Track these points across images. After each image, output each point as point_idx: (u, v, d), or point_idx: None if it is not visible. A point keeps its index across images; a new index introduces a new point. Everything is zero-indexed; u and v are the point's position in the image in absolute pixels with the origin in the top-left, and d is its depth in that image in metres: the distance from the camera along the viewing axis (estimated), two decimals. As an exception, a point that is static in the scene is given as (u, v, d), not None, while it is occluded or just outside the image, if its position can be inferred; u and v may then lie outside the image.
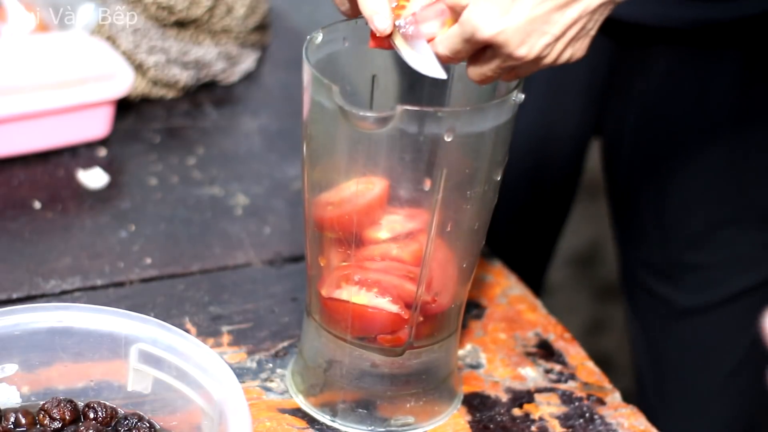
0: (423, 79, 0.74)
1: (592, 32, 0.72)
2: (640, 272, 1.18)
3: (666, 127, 1.10)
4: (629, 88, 1.10)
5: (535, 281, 1.23)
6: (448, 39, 0.70)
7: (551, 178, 1.17)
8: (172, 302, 0.89)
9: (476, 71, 0.72)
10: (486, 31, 0.68)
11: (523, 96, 0.73)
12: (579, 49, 0.72)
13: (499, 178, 0.76)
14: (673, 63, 1.07)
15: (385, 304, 0.75)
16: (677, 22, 1.03)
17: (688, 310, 1.15)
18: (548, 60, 0.71)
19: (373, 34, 0.72)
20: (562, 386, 0.86)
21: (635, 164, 1.14)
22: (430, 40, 0.72)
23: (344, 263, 0.76)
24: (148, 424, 0.73)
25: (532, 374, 0.86)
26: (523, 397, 0.84)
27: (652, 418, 0.84)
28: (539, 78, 0.96)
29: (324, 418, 0.80)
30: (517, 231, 1.19)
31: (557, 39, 0.70)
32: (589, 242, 2.36)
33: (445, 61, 0.72)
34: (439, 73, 0.72)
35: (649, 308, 1.18)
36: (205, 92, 1.18)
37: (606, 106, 1.13)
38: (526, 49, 0.69)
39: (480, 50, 0.71)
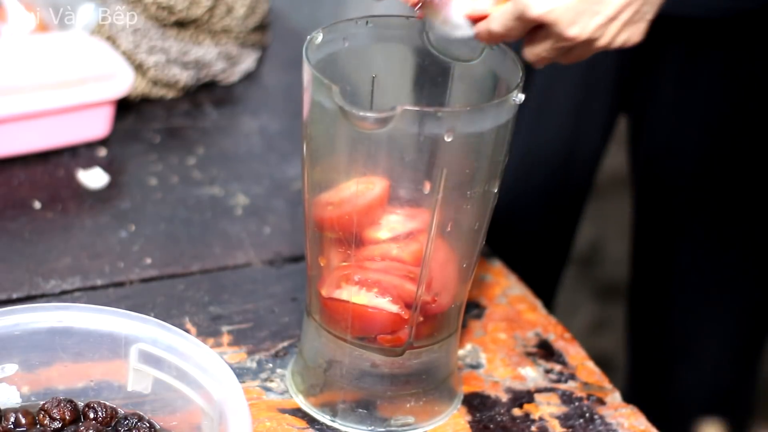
0: (424, 79, 0.74)
1: (648, 16, 0.72)
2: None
3: (696, 123, 1.10)
4: (655, 83, 1.10)
5: (551, 283, 1.24)
6: (502, 16, 0.70)
7: (576, 178, 1.17)
8: (172, 302, 0.89)
9: (531, 51, 0.72)
10: (536, 9, 0.68)
11: (523, 96, 0.73)
12: (635, 34, 0.72)
13: (499, 179, 0.76)
14: (702, 58, 1.07)
15: (385, 304, 0.75)
16: (708, 12, 1.02)
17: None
18: (602, 42, 0.71)
19: (421, 4, 0.73)
20: (562, 386, 0.86)
21: (663, 159, 1.15)
22: (483, 17, 0.72)
23: (344, 263, 0.76)
24: (148, 424, 0.73)
25: (532, 374, 0.86)
26: (523, 397, 0.84)
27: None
28: (567, 80, 0.96)
29: (324, 418, 0.80)
30: (540, 230, 1.20)
31: (611, 20, 0.69)
32: (589, 242, 2.36)
33: (499, 39, 0.72)
34: (468, 31, 0.71)
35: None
36: (205, 92, 1.18)
37: (632, 99, 1.13)
38: (577, 29, 0.69)
39: (534, 30, 0.71)
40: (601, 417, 0.83)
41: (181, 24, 1.15)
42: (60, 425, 0.72)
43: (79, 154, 1.05)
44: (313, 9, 1.87)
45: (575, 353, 0.89)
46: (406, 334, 0.77)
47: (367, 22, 0.77)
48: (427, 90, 0.79)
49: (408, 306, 0.76)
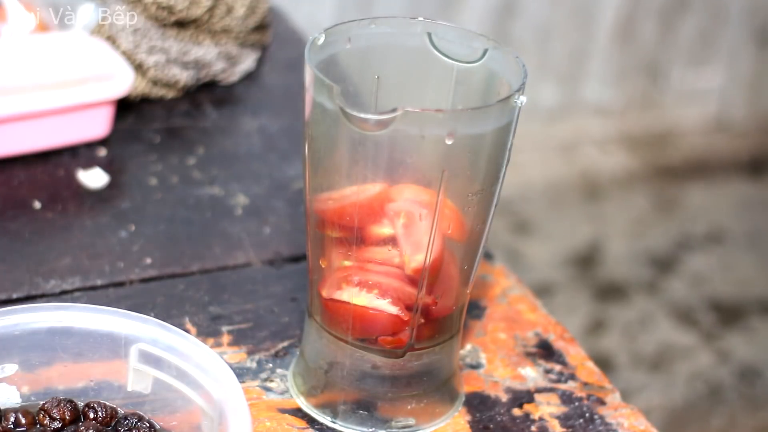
0: (426, 80, 0.74)
1: None
2: None
3: None
4: None
5: None
6: None
7: None
8: (172, 302, 0.89)
9: None
10: None
11: (525, 99, 0.73)
12: None
13: (500, 180, 0.75)
14: None
15: (386, 306, 0.75)
16: None
17: None
18: None
19: None
20: (562, 386, 0.86)
21: None
22: None
23: (346, 263, 0.76)
24: (148, 424, 0.73)
25: (532, 374, 0.86)
26: (523, 397, 0.84)
27: None
28: None
29: (325, 419, 0.80)
30: None
31: None
32: (589, 242, 2.36)
33: None
34: None
35: None
36: (205, 92, 1.18)
37: None
38: None
39: None
40: (601, 417, 0.83)
41: (181, 24, 1.15)
42: (60, 425, 0.72)
43: (79, 154, 1.05)
44: (313, 9, 1.88)
45: (575, 353, 0.89)
46: (407, 335, 0.77)
47: (370, 23, 0.77)
48: (430, 91, 0.79)
49: (408, 308, 0.76)
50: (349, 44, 0.77)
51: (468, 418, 0.82)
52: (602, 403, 0.84)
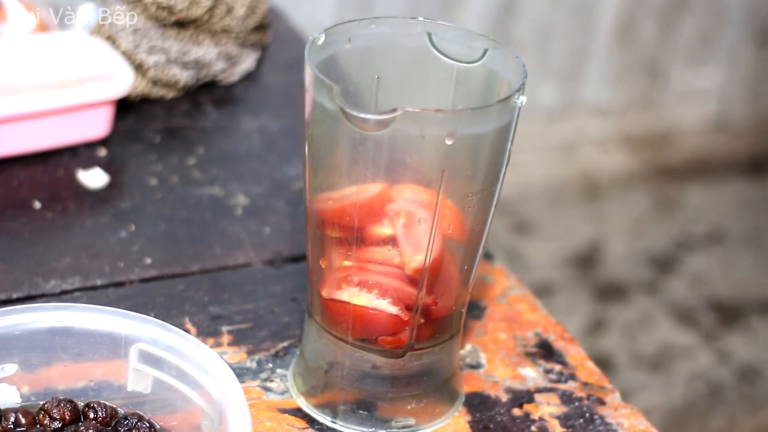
0: (426, 80, 0.74)
1: None
2: None
3: None
4: None
5: None
6: None
7: None
8: (172, 302, 0.89)
9: None
10: None
11: (525, 99, 0.73)
12: None
13: (500, 180, 0.76)
14: None
15: (386, 306, 0.75)
16: None
17: None
18: None
19: None
20: (562, 386, 0.86)
21: None
22: None
23: (346, 263, 0.76)
24: (148, 424, 0.73)
25: (532, 374, 0.86)
26: (523, 397, 0.84)
27: None
28: None
29: (325, 419, 0.80)
30: None
31: None
32: (589, 242, 2.36)
33: None
34: None
35: None
36: (205, 92, 1.18)
37: None
38: None
39: None
40: (601, 417, 0.83)
41: (181, 24, 1.15)
42: (60, 425, 0.72)
43: (79, 154, 1.05)
44: (313, 9, 1.88)
45: (575, 353, 0.89)
46: (407, 335, 0.77)
47: (370, 23, 0.77)
48: (430, 91, 0.79)
49: (408, 308, 0.76)
50: (349, 44, 0.77)
51: (468, 418, 0.82)
52: (602, 403, 0.84)
